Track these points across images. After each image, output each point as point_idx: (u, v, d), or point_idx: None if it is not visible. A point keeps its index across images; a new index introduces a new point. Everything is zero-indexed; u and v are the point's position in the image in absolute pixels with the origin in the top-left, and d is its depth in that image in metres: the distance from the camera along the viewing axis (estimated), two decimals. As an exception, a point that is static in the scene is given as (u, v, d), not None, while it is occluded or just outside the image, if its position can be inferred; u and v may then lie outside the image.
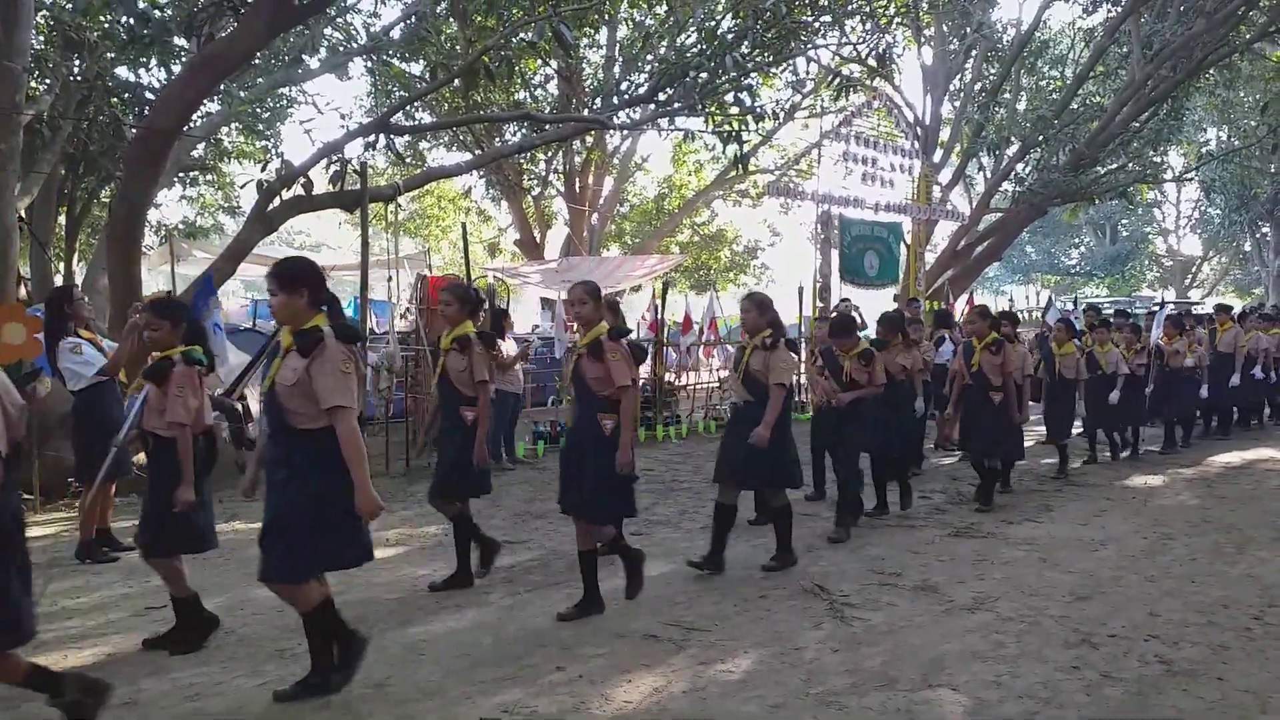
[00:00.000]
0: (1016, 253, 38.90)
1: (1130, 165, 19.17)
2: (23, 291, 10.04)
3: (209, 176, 16.71)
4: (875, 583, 5.81)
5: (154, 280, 16.66)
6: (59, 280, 12.19)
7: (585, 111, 15.33)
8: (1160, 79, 16.85)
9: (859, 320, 10.15)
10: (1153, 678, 4.32)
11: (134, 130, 9.42)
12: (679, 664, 4.47)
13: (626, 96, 11.41)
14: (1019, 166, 18.99)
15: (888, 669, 4.40)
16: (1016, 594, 5.58)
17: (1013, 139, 18.52)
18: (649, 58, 13.05)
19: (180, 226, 16.58)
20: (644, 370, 13.23)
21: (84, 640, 4.77)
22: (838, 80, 11.51)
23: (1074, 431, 10.10)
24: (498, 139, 19.33)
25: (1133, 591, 5.67)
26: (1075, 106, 18.91)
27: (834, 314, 9.85)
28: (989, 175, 21.21)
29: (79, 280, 12.29)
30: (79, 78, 10.24)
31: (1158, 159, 20.31)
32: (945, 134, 19.87)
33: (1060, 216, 28.31)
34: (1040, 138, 17.83)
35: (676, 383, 14.18)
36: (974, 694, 4.12)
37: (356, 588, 5.61)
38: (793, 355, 5.96)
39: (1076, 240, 43.25)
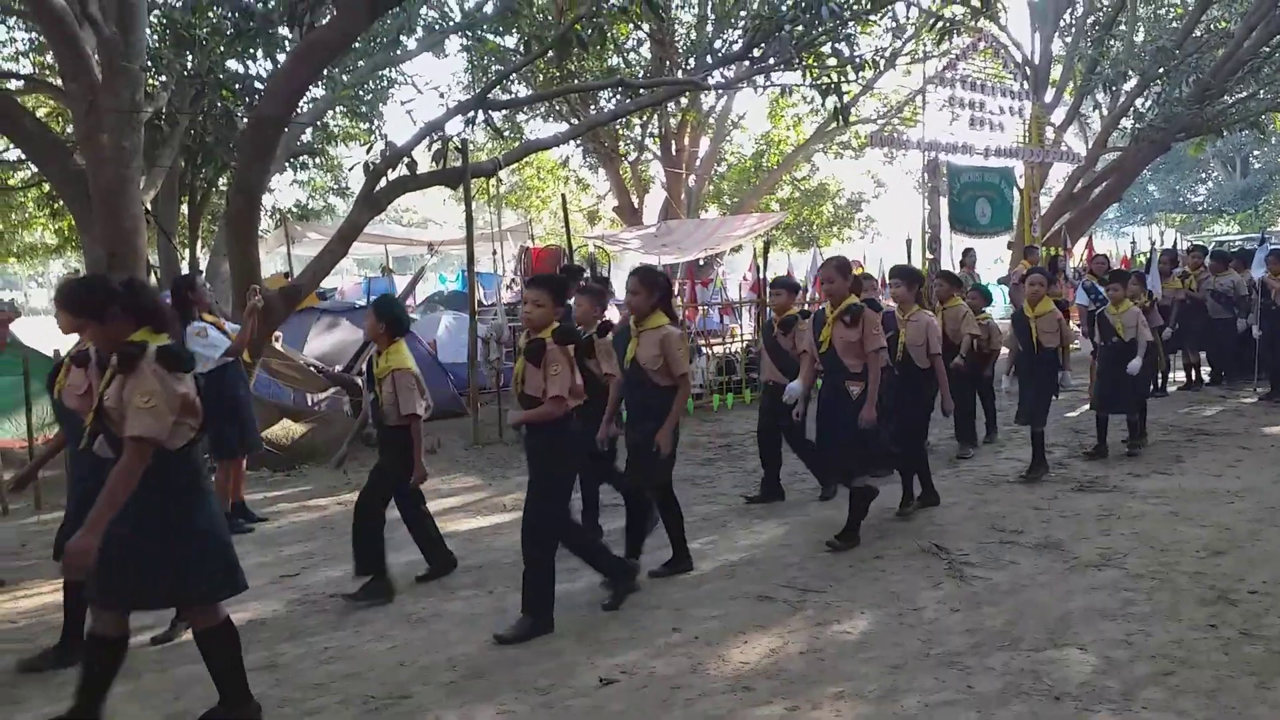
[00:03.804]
0: (1138, 191, 36.98)
1: (1261, 93, 17.91)
2: (152, 279, 10.58)
3: (318, 160, 17.25)
4: (995, 541, 5.68)
5: (271, 262, 17.37)
6: (185, 267, 12.79)
7: (679, 73, 15.17)
8: (1294, -3, 15.68)
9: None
10: (1298, 635, 4.11)
11: (246, 120, 9.77)
12: (795, 625, 4.47)
13: (720, 55, 11.25)
14: (1138, 101, 17.97)
15: (1010, 629, 4.31)
16: (1146, 550, 5.38)
17: (1130, 73, 17.50)
18: (741, 14, 12.78)
19: (293, 210, 17.19)
20: (747, 331, 13.14)
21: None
22: (940, 23, 11.01)
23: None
24: (593, 107, 19.35)
25: (1273, 546, 5.40)
26: (1198, 34, 17.74)
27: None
28: (1105, 113, 20.18)
29: (203, 266, 12.89)
30: (192, 73, 10.67)
31: (1292, 84, 18.91)
32: (1057, 72, 18.91)
33: (1185, 151, 26.71)
34: (1161, 70, 16.79)
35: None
36: (1103, 653, 3.99)
37: (478, 552, 5.79)
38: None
39: (1203, 175, 40.86)
